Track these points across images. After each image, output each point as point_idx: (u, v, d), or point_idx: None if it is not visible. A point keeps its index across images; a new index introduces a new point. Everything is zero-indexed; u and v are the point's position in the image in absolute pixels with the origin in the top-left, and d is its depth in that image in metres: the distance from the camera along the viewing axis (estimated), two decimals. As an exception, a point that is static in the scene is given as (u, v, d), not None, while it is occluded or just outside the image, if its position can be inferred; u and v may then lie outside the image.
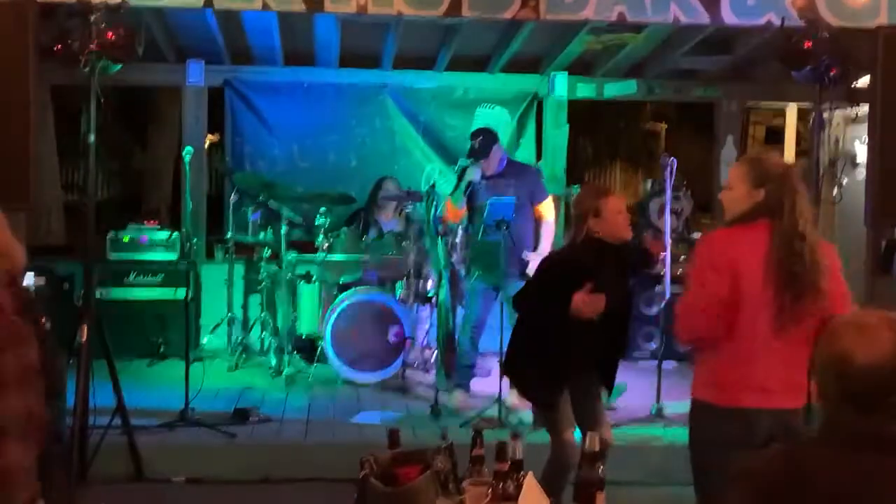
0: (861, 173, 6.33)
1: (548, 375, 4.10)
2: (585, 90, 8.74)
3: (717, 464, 2.80)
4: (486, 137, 6.31)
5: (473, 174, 6.21)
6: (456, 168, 6.48)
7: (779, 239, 3.19)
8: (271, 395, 6.48)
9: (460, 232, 6.51)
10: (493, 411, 5.80)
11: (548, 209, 6.44)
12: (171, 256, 7.68)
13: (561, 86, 8.57)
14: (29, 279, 6.50)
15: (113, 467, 5.13)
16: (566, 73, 8.54)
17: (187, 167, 6.70)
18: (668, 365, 7.00)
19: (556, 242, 6.80)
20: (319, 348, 7.02)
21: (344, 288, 7.22)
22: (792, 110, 9.63)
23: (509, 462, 2.33)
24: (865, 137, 5.70)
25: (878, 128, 5.06)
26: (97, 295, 6.31)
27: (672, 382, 6.38)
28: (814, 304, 3.17)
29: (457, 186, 6.37)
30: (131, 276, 7.63)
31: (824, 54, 5.04)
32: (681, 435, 5.62)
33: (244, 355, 7.46)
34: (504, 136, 8.55)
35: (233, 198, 7.69)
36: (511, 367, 4.44)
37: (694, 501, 3.36)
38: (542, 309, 4.13)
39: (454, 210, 6.38)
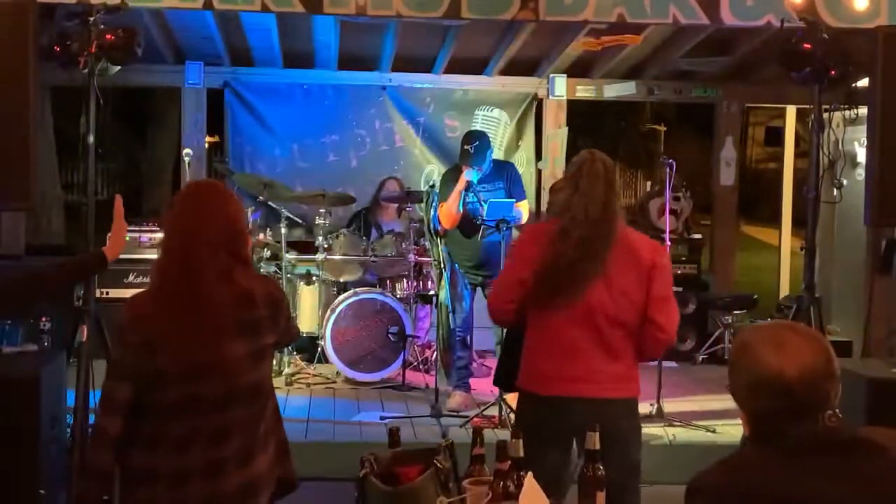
0: (861, 173, 6.34)
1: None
2: (585, 91, 8.75)
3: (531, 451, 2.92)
4: (482, 142, 6.24)
5: (472, 175, 6.17)
6: (443, 176, 6.47)
7: (556, 234, 3.36)
8: (271, 395, 6.47)
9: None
10: (493, 410, 5.81)
11: (525, 208, 6.41)
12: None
13: (560, 87, 8.58)
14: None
15: (113, 467, 5.13)
16: (565, 74, 8.55)
17: (187, 168, 6.70)
18: (668, 365, 7.02)
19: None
20: (319, 348, 7.02)
21: (344, 288, 7.23)
22: (791, 111, 9.63)
23: (510, 461, 2.33)
24: (864, 139, 5.70)
25: (878, 128, 5.06)
26: (97, 295, 6.30)
27: (672, 382, 6.40)
28: (591, 295, 3.29)
29: (452, 191, 6.23)
30: (131, 276, 7.63)
31: (823, 55, 5.04)
32: (681, 435, 5.66)
33: (244, 355, 7.44)
34: (503, 137, 8.61)
35: (232, 198, 7.67)
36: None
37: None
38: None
39: (451, 215, 6.25)
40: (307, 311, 7.25)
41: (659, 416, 5.88)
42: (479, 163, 6.15)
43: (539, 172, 8.85)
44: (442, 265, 6.34)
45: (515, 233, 6.22)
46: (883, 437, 1.97)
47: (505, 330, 4.04)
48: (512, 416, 5.65)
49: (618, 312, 3.34)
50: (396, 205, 7.68)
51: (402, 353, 6.84)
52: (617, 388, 3.39)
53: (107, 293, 7.46)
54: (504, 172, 6.44)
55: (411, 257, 7.02)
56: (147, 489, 2.62)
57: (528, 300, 3.41)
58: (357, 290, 7.07)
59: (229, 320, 2.66)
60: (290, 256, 7.27)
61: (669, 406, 5.98)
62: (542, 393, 3.42)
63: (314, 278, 7.26)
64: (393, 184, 7.73)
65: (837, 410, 1.92)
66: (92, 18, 4.81)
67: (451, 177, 6.35)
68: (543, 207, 8.33)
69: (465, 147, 6.20)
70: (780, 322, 2.00)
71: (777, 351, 1.92)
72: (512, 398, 5.38)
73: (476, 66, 8.47)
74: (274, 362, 7.03)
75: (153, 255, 7.66)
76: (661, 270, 3.39)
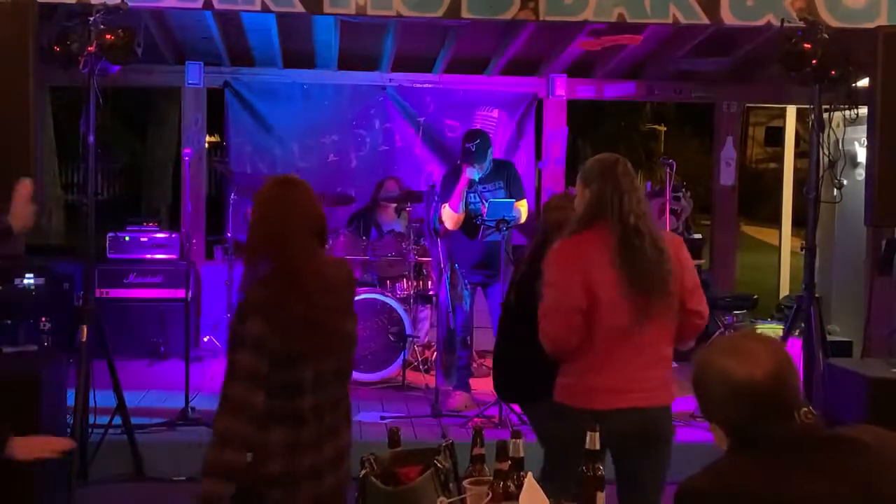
0: (861, 173, 6.34)
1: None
2: (585, 91, 8.76)
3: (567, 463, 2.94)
4: (483, 140, 6.26)
5: (474, 174, 6.17)
6: (444, 178, 6.47)
7: (616, 238, 3.21)
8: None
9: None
10: (493, 410, 5.81)
11: (524, 207, 6.41)
12: (171, 256, 7.69)
13: (560, 87, 8.59)
14: (29, 279, 6.52)
15: (113, 467, 5.14)
16: (565, 74, 8.55)
17: (187, 167, 6.71)
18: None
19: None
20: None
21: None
22: (791, 111, 9.63)
23: (510, 461, 2.33)
24: (864, 139, 5.70)
25: (878, 128, 5.06)
26: (97, 295, 6.31)
27: (672, 382, 6.38)
28: (663, 299, 3.21)
29: (454, 192, 6.23)
30: (131, 276, 7.63)
31: (823, 55, 5.04)
32: (681, 434, 5.65)
33: (244, 355, 7.44)
34: (503, 137, 8.61)
35: (233, 198, 7.70)
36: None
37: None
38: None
39: (454, 216, 6.24)
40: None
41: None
42: (481, 161, 6.16)
43: (539, 172, 8.85)
44: (442, 265, 6.33)
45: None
46: (866, 434, 1.99)
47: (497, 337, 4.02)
48: (512, 416, 5.68)
49: (670, 313, 3.29)
50: (395, 204, 7.68)
51: (402, 353, 6.84)
52: (661, 394, 3.34)
53: (107, 293, 7.47)
54: (504, 172, 6.44)
55: (411, 257, 7.03)
56: (284, 462, 2.76)
57: (598, 320, 3.21)
58: (357, 289, 7.06)
59: (345, 300, 3.00)
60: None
61: (669, 406, 5.97)
62: (592, 407, 3.21)
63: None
64: (392, 183, 7.73)
65: (811, 407, 1.97)
66: (92, 18, 4.82)
67: (451, 178, 6.35)
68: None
69: (467, 145, 6.21)
70: (729, 336, 2.08)
71: (740, 360, 1.97)
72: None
73: (476, 66, 8.47)
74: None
75: (153, 255, 7.70)
76: (686, 260, 3.37)
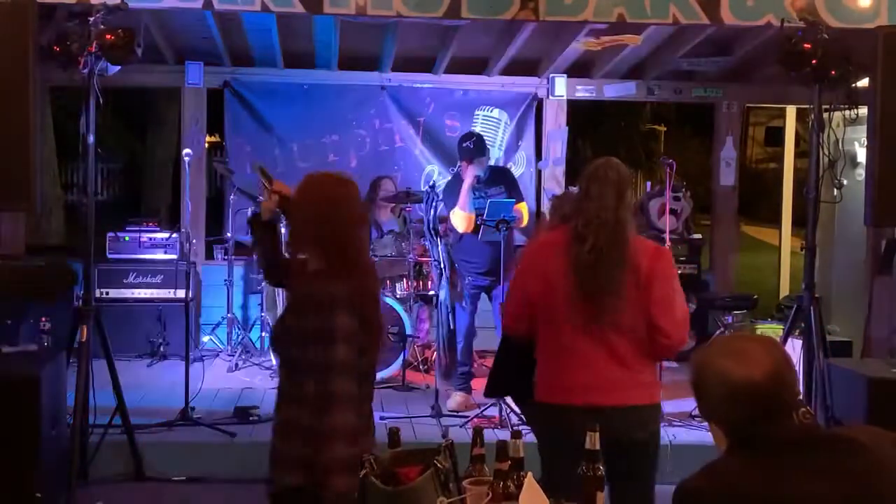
0: (861, 173, 6.34)
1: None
2: (585, 91, 8.76)
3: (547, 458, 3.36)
4: (479, 137, 6.40)
5: (478, 170, 6.25)
6: (446, 186, 6.49)
7: (569, 241, 3.33)
8: (271, 394, 6.45)
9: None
10: (493, 410, 5.81)
11: (524, 209, 6.45)
12: (171, 256, 7.69)
13: (560, 87, 8.59)
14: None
15: (113, 467, 5.14)
16: (565, 74, 8.55)
17: (187, 167, 6.70)
18: (669, 365, 7.01)
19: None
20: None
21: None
22: (791, 111, 9.64)
23: (510, 461, 2.33)
24: (864, 139, 5.69)
25: (878, 128, 5.06)
26: (97, 295, 6.32)
27: (672, 382, 6.38)
28: (612, 303, 3.26)
29: (461, 191, 6.25)
30: (131, 276, 7.64)
31: (823, 55, 5.04)
32: (681, 435, 5.66)
33: (244, 355, 7.46)
34: (503, 137, 8.62)
35: (233, 198, 7.70)
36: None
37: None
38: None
39: (465, 216, 6.23)
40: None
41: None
42: (481, 155, 6.26)
43: (539, 172, 8.85)
44: (442, 265, 6.33)
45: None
46: (863, 434, 2.00)
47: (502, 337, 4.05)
48: (512, 416, 5.68)
49: (622, 319, 3.30)
50: (392, 203, 7.68)
51: (402, 353, 6.84)
52: (621, 395, 3.33)
53: (107, 293, 7.47)
54: (503, 177, 6.53)
55: (411, 257, 7.02)
56: (349, 448, 2.81)
57: (543, 311, 3.39)
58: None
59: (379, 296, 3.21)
60: (290, 256, 7.25)
61: (669, 406, 5.98)
62: (551, 402, 3.39)
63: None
64: (388, 183, 7.73)
65: (809, 407, 1.99)
66: (92, 18, 4.81)
67: (454, 185, 6.40)
68: (543, 208, 8.33)
69: (465, 144, 6.32)
70: (727, 336, 2.10)
71: (738, 361, 1.98)
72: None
73: (476, 66, 8.47)
74: (274, 362, 7.08)
75: (153, 256, 7.69)
76: (660, 273, 3.33)
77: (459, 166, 6.45)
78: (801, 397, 1.99)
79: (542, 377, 3.45)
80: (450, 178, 6.78)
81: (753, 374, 1.95)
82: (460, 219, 6.28)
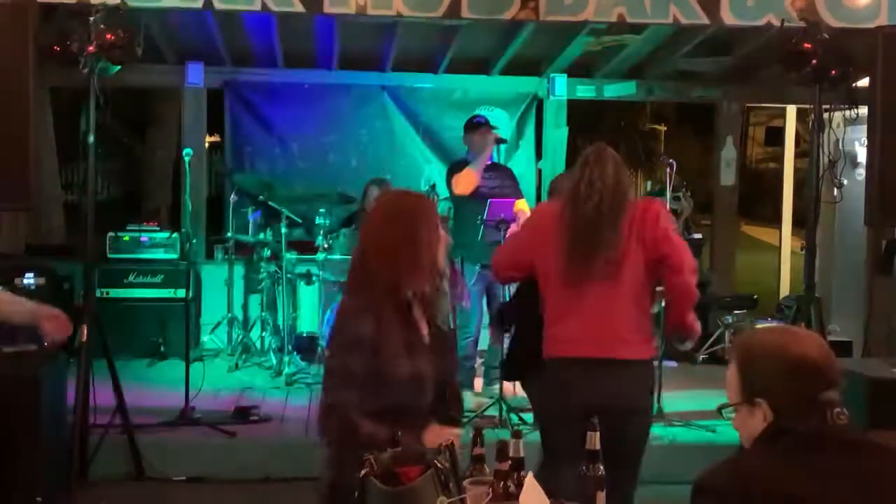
0: (861, 173, 6.34)
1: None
2: (585, 91, 8.76)
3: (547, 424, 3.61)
4: (485, 121, 6.42)
5: (500, 132, 6.35)
6: (450, 167, 6.47)
7: (564, 202, 3.55)
8: (271, 394, 6.48)
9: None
10: (493, 410, 5.81)
11: (525, 207, 6.41)
12: (171, 256, 7.69)
13: (560, 87, 8.59)
14: (29, 279, 6.51)
15: (113, 467, 5.14)
16: (566, 74, 8.56)
17: (187, 167, 6.70)
18: (669, 365, 7.02)
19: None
20: (319, 348, 7.02)
21: (344, 288, 7.21)
22: (791, 111, 9.64)
23: (510, 461, 2.33)
24: (864, 139, 5.70)
25: (878, 128, 5.06)
26: (97, 295, 6.31)
27: (672, 382, 6.39)
28: (604, 256, 3.42)
29: (483, 154, 6.20)
30: (131, 276, 7.63)
31: (823, 55, 5.04)
32: (681, 434, 5.66)
33: (244, 355, 7.46)
34: (504, 136, 8.60)
35: (233, 198, 7.69)
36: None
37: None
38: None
39: (472, 177, 6.14)
40: (307, 310, 7.25)
41: (659, 416, 5.86)
42: (494, 123, 6.35)
43: (539, 172, 8.85)
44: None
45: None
46: (892, 441, 2.00)
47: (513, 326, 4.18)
48: (512, 415, 5.68)
49: (619, 273, 3.45)
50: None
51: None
52: (616, 348, 3.46)
53: (107, 293, 7.47)
54: (504, 174, 6.51)
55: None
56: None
57: (540, 265, 3.56)
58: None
59: None
60: (290, 256, 7.26)
61: (669, 406, 5.98)
62: (556, 355, 3.52)
63: (314, 278, 7.26)
64: (381, 188, 7.66)
65: (844, 408, 1.98)
66: (92, 18, 4.81)
67: (457, 166, 6.32)
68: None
69: (476, 120, 6.40)
70: (770, 325, 2.15)
71: (794, 340, 2.05)
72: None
73: (477, 66, 8.47)
74: (274, 362, 7.08)
75: (153, 255, 7.69)
76: (651, 215, 3.49)
77: (467, 153, 6.38)
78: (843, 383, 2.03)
79: (545, 334, 3.58)
80: (454, 161, 6.65)
81: (808, 351, 2.01)
82: (465, 178, 6.14)
